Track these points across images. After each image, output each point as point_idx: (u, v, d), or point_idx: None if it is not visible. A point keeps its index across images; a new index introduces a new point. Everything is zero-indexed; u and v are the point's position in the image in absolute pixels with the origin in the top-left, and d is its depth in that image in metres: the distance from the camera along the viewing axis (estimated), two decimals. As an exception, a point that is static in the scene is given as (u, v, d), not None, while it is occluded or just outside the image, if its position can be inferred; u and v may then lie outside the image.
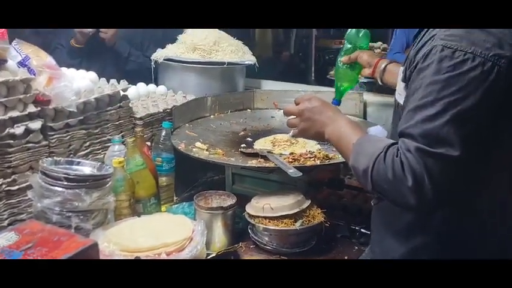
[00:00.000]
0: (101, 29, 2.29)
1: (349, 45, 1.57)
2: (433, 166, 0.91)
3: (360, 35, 1.56)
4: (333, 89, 1.59)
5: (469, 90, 0.89)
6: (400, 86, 1.10)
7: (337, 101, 1.54)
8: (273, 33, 7.98)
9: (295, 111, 1.27)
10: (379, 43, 4.65)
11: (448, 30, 0.93)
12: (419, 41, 1.03)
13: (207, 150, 1.67)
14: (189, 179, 1.89)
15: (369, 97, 2.12)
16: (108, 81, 1.76)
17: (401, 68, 1.12)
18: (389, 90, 1.49)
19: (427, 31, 1.02)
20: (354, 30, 1.57)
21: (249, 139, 1.86)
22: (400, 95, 1.10)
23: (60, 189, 1.23)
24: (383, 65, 1.49)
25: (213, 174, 1.98)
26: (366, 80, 2.99)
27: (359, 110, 2.04)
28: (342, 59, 1.56)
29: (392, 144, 0.99)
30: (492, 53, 0.89)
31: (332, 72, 3.72)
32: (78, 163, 1.39)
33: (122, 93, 1.69)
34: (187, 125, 1.93)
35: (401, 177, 0.93)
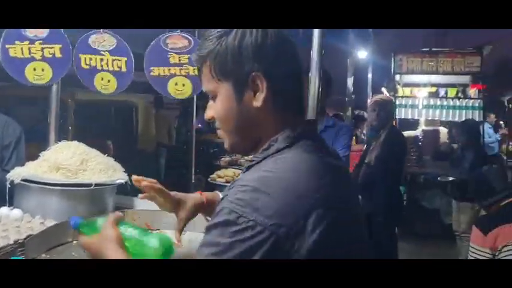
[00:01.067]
0: None
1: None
2: None
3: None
4: None
5: (247, 257, 0.90)
6: None
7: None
8: (157, 125, 8.02)
9: None
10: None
11: (237, 193, 0.95)
12: None
13: (63, 291, 1.48)
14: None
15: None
16: None
17: None
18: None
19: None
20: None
21: (115, 270, 1.71)
22: None
23: None
24: None
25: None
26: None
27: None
28: None
29: None
30: (272, 222, 0.91)
31: (213, 176, 3.66)
32: None
33: (-39, 226, 1.47)
34: (43, 255, 1.72)
35: None
